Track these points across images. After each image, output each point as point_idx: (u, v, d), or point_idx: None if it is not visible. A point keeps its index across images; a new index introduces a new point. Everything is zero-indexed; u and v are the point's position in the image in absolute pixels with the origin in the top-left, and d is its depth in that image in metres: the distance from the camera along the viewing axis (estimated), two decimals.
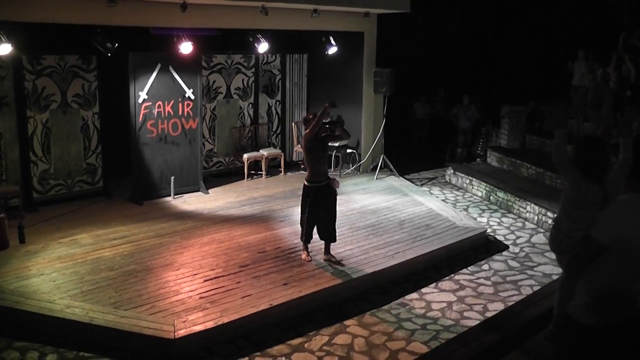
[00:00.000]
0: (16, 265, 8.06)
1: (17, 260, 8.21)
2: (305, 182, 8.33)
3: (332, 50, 12.86)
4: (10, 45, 8.86)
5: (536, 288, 8.25)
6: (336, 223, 8.49)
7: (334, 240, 8.53)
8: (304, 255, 8.54)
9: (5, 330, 6.79)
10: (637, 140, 3.59)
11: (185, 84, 11.17)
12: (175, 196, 11.14)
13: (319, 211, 8.29)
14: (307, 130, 8.25)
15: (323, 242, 8.53)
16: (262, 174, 13.00)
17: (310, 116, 8.49)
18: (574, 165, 4.06)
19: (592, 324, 3.47)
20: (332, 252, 8.59)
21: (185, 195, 11.33)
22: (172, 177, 11.07)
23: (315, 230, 8.50)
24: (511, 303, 7.61)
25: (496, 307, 7.74)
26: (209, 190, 11.68)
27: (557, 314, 4.04)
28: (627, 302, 3.43)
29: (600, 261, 3.35)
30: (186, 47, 10.44)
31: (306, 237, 8.48)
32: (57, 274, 7.83)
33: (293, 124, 14.08)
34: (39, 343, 6.61)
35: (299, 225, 8.63)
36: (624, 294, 3.41)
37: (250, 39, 11.61)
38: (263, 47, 11.63)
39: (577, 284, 3.53)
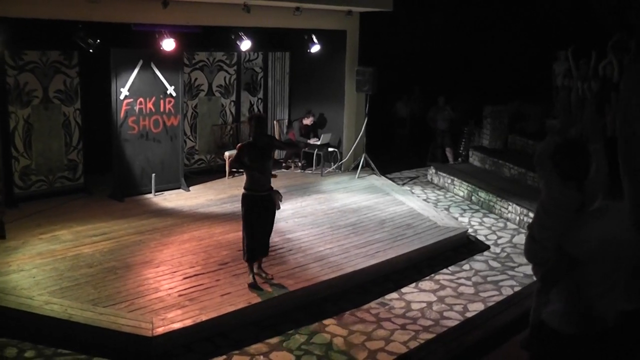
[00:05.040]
0: None
1: None
2: (244, 190, 7.56)
3: (315, 48, 12.88)
4: None
5: (517, 288, 8.30)
6: (270, 237, 7.82)
7: (266, 254, 7.90)
8: (249, 279, 7.66)
9: None
10: (608, 145, 3.58)
11: (167, 81, 11.13)
12: (156, 193, 11.10)
13: (258, 224, 7.54)
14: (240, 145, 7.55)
15: (301, 239, 8.32)
16: (243, 172, 12.92)
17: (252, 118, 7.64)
18: (553, 169, 3.99)
19: (566, 331, 3.48)
20: (263, 267, 7.97)
21: (166, 193, 11.29)
22: (153, 174, 11.03)
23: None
24: (492, 303, 7.66)
25: (476, 308, 7.77)
26: (190, 188, 11.65)
27: (532, 320, 4.05)
28: (600, 313, 3.45)
29: (575, 272, 3.36)
30: (168, 44, 10.40)
31: (249, 256, 7.64)
32: (37, 270, 7.79)
33: (275, 122, 14.07)
34: (18, 339, 6.57)
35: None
36: (597, 305, 3.42)
37: (232, 37, 11.59)
38: (245, 44, 11.61)
39: (552, 291, 3.54)
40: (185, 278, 7.73)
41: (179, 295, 7.27)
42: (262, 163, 7.42)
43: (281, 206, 7.72)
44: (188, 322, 6.68)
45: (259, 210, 7.48)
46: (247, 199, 7.51)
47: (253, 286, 7.54)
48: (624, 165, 3.41)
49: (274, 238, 9.15)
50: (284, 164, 13.93)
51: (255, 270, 7.81)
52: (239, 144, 7.64)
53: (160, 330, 6.48)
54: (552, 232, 3.58)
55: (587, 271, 3.33)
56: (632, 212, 3.33)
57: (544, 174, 3.84)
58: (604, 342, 3.50)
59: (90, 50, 9.77)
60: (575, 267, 3.34)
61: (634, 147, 3.44)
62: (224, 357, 6.47)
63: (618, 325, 3.53)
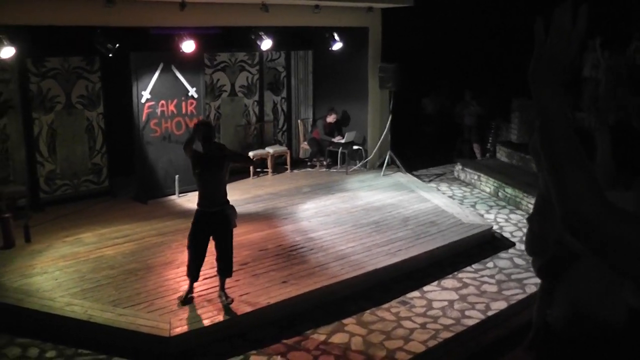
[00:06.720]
0: (21, 263, 8.19)
1: (22, 259, 8.33)
2: (197, 206, 7.09)
3: (337, 46, 12.83)
4: (13, 48, 8.96)
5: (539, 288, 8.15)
6: (232, 256, 7.22)
7: (229, 275, 7.28)
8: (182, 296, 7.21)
9: (7, 326, 6.91)
10: (618, 130, 3.43)
11: (188, 83, 11.21)
12: (180, 195, 11.16)
13: (205, 243, 7.07)
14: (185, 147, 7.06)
15: (323, 238, 8.24)
16: (268, 172, 13.00)
17: (198, 125, 7.13)
18: None
19: (570, 334, 3.37)
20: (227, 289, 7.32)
21: (190, 194, 11.22)
22: (177, 176, 11.10)
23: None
24: (515, 302, 7.55)
25: (499, 306, 7.65)
26: None
27: (535, 322, 3.94)
28: (606, 313, 3.31)
29: (576, 269, 3.24)
30: (187, 46, 10.46)
31: (188, 272, 7.18)
32: (60, 272, 7.93)
33: (299, 121, 14.07)
34: (40, 340, 6.70)
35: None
36: (603, 304, 3.29)
37: (253, 37, 11.60)
38: (266, 44, 11.60)
39: (556, 291, 3.42)
40: (205, 279, 7.72)
41: (198, 296, 7.31)
42: (212, 175, 6.88)
43: (237, 224, 7.14)
44: (206, 323, 6.74)
45: (209, 228, 6.98)
46: (196, 215, 7.05)
47: (182, 303, 7.08)
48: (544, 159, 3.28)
49: (295, 237, 9.21)
50: (309, 163, 13.93)
51: (218, 293, 7.33)
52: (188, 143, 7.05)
53: (177, 331, 6.53)
54: (552, 224, 3.47)
55: (589, 267, 3.20)
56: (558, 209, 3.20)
57: (541, 165, 3.70)
58: (612, 343, 3.36)
59: (110, 55, 9.89)
60: (575, 262, 3.21)
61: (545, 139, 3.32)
62: (242, 357, 6.48)
63: (628, 324, 3.38)
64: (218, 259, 7.14)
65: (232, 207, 7.07)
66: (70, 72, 10.59)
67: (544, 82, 1.61)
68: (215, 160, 6.86)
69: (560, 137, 1.60)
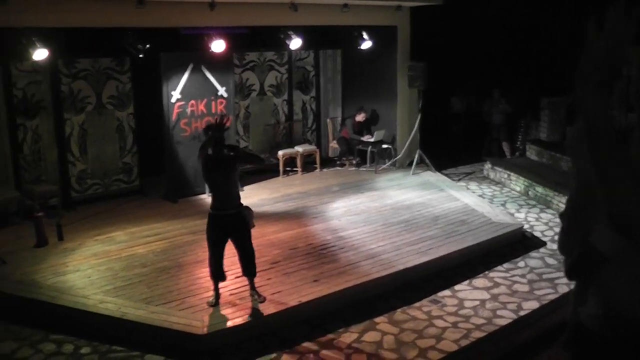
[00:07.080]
0: (54, 261, 8.30)
1: (55, 257, 8.45)
2: (209, 210, 7.01)
3: (366, 45, 12.80)
4: (45, 50, 9.09)
5: (573, 286, 8.03)
6: (255, 256, 7.16)
7: (254, 275, 7.24)
8: (211, 300, 7.14)
9: (42, 323, 7.01)
10: None
11: (218, 82, 11.28)
12: (210, 193, 11.20)
13: (222, 245, 6.99)
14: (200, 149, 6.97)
15: (353, 237, 8.17)
16: (297, 171, 13.01)
17: (216, 120, 7.00)
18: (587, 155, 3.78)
19: (605, 335, 3.30)
20: (257, 288, 7.32)
21: None
22: None
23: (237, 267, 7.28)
24: (546, 302, 7.47)
25: (531, 306, 7.57)
26: (244, 187, 11.70)
27: (570, 321, 3.85)
28: (636, 312, 3.24)
29: (607, 271, 3.18)
30: (217, 46, 10.51)
31: (211, 275, 7.13)
32: (92, 270, 8.02)
33: (328, 120, 14.06)
34: (74, 336, 6.78)
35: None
36: (630, 310, 3.22)
37: (282, 36, 11.62)
38: (295, 43, 11.62)
39: (590, 290, 3.36)
40: (236, 277, 7.73)
41: (230, 294, 7.33)
42: (224, 176, 6.81)
43: (255, 224, 7.08)
44: (238, 321, 6.75)
45: (225, 231, 6.93)
46: (210, 219, 6.94)
47: (211, 305, 7.05)
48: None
49: (326, 236, 9.20)
50: (338, 162, 13.92)
51: (249, 292, 7.36)
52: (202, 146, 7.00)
53: (210, 328, 6.56)
54: (581, 223, 3.41)
55: (618, 271, 3.14)
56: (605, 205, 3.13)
57: (577, 161, 3.64)
58: None
59: (140, 56, 10.00)
60: (603, 264, 3.15)
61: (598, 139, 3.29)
62: (274, 355, 6.47)
63: None
64: (241, 261, 7.12)
65: (248, 208, 7.03)
66: (100, 72, 10.72)
67: (590, 81, 1.61)
68: (225, 162, 6.85)
69: (602, 135, 1.60)
